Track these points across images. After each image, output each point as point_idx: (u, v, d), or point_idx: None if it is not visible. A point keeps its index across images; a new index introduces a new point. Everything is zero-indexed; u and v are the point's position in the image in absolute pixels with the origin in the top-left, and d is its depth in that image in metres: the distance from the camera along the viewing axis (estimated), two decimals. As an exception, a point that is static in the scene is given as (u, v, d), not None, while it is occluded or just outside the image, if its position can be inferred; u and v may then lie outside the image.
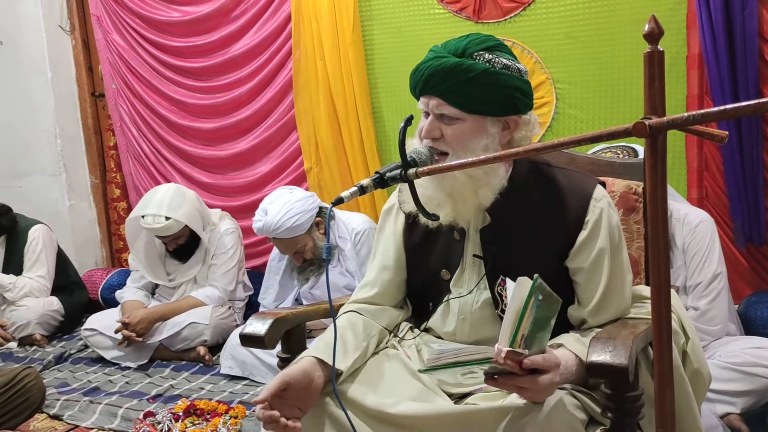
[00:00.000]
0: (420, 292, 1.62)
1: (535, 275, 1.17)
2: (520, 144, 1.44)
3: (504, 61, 1.39)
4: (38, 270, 3.64)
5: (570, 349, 1.33)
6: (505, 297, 1.44)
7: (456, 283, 1.53)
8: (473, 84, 1.37)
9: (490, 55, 1.39)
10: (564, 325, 1.46)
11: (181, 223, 3.17)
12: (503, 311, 1.45)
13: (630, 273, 1.49)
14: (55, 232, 3.88)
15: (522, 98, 1.41)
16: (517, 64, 1.42)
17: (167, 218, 3.13)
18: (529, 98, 1.44)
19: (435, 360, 1.19)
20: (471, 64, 1.36)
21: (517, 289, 1.16)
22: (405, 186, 1.39)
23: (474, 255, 1.51)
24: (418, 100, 1.47)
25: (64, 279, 3.79)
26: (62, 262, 3.82)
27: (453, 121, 1.40)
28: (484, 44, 1.40)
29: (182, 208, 3.18)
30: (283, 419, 1.30)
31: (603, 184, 1.50)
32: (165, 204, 3.16)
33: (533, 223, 1.45)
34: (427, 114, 1.45)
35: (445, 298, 1.54)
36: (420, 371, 1.23)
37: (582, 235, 1.43)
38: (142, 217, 3.17)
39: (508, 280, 1.25)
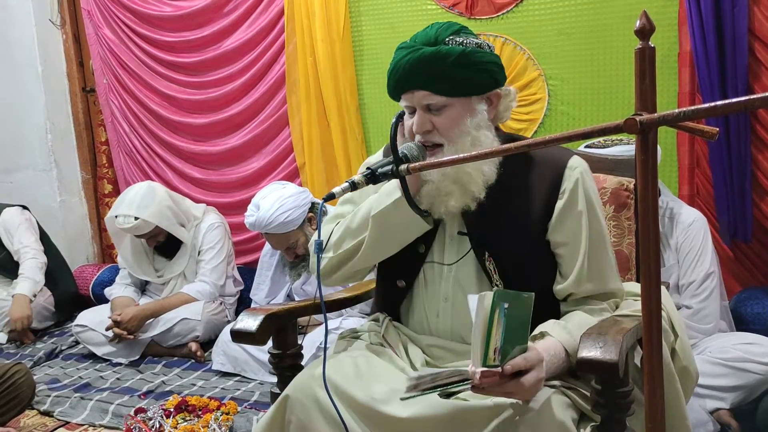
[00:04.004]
0: (392, 268, 1.59)
1: (495, 289, 1.19)
2: (504, 116, 1.51)
3: (474, 40, 1.44)
4: (24, 241, 3.62)
5: (556, 337, 1.34)
6: (494, 273, 1.45)
7: (436, 256, 1.53)
8: (453, 68, 1.40)
9: (461, 38, 1.43)
10: (549, 307, 1.47)
11: (150, 224, 3.17)
12: (497, 285, 1.46)
13: (611, 252, 1.51)
14: (46, 228, 3.86)
15: (498, 71, 1.47)
16: (484, 41, 1.47)
17: (136, 218, 3.13)
18: (503, 69, 1.49)
19: (413, 387, 1.20)
20: (448, 50, 1.40)
21: (479, 305, 1.14)
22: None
23: (459, 232, 1.51)
24: (399, 100, 1.48)
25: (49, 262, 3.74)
26: (44, 245, 3.76)
27: (441, 109, 1.43)
28: (452, 29, 1.44)
29: (151, 208, 3.17)
30: None
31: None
32: (135, 204, 3.16)
33: (514, 197, 1.47)
34: (412, 112, 1.46)
35: (421, 274, 1.54)
36: (402, 399, 1.24)
37: (559, 204, 1.44)
38: (116, 217, 3.17)
39: (469, 296, 1.25)
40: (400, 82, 1.44)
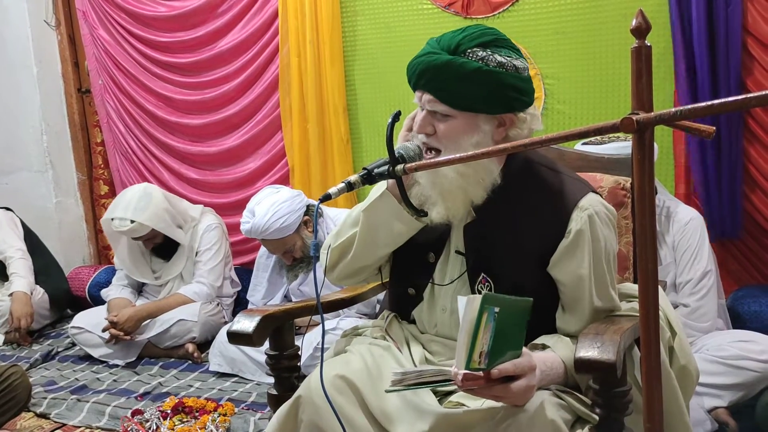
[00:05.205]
0: (403, 272, 1.59)
1: (483, 292, 1.17)
2: (515, 141, 1.41)
3: (498, 58, 1.35)
4: (9, 241, 3.61)
5: (557, 353, 1.33)
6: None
7: (439, 272, 1.52)
8: (465, 82, 1.34)
9: (484, 53, 1.35)
10: (546, 326, 1.46)
11: (146, 227, 3.15)
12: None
13: (615, 294, 1.45)
14: (42, 230, 3.85)
15: (517, 96, 1.37)
16: (514, 61, 1.37)
17: (132, 221, 3.12)
18: (526, 95, 1.39)
19: (398, 382, 1.20)
20: (463, 63, 1.33)
21: (467, 308, 1.13)
22: None
23: (456, 251, 1.50)
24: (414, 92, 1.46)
25: (37, 261, 3.72)
26: (33, 244, 3.75)
27: (445, 117, 1.39)
28: (479, 39, 1.36)
29: (147, 211, 3.15)
30: None
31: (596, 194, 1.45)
32: (131, 207, 3.14)
33: (517, 223, 1.43)
34: (422, 107, 1.44)
35: (429, 284, 1.53)
36: (387, 391, 1.24)
37: (563, 243, 1.39)
38: (112, 219, 3.16)
39: (459, 297, 1.25)
40: (412, 79, 1.42)
